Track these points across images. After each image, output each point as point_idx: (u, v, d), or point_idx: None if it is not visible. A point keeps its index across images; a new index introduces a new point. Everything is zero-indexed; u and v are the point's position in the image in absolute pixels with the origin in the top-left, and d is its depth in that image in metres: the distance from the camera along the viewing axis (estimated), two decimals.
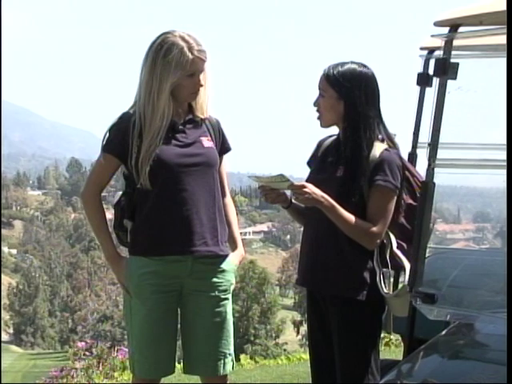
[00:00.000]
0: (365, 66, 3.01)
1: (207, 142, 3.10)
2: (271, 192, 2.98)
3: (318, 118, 3.06)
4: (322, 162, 3.10)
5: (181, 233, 3.03)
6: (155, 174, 3.00)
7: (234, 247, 3.24)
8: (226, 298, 3.15)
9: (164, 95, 2.98)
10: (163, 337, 3.09)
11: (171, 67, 2.96)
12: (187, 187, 3.03)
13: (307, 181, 3.02)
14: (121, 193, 3.18)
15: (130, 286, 3.08)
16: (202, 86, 3.04)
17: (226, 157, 3.25)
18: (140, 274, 3.05)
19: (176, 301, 3.11)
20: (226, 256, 3.14)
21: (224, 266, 3.13)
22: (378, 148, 2.96)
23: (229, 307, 3.17)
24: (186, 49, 2.97)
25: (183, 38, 2.98)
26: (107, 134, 3.08)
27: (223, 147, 3.22)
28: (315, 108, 3.06)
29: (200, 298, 3.10)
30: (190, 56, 2.97)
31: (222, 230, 3.12)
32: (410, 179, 3.04)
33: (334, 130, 3.11)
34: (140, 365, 3.12)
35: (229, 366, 3.17)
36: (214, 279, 3.10)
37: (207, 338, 3.11)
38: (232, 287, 3.18)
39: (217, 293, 3.11)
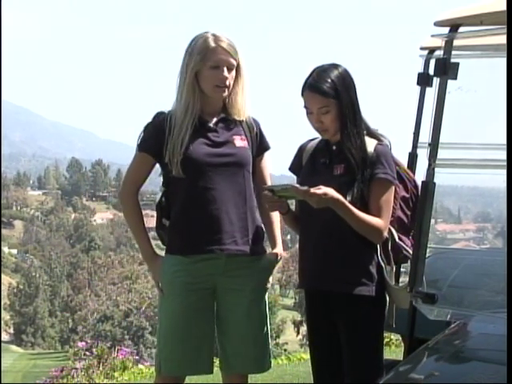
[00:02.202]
0: (339, 65, 3.03)
1: (240, 142, 3.11)
2: (276, 201, 2.98)
3: (322, 132, 3.04)
4: (313, 165, 3.10)
5: (210, 231, 3.05)
6: (185, 173, 3.02)
7: (272, 246, 3.25)
8: (261, 297, 3.16)
9: (188, 83, 3.02)
10: (193, 335, 3.08)
11: (194, 55, 3.01)
12: (216, 186, 3.05)
13: (300, 184, 3.01)
14: (161, 193, 3.21)
15: (163, 283, 3.11)
16: (226, 79, 3.03)
17: (267, 156, 3.26)
18: (173, 271, 3.08)
19: (210, 299, 3.11)
20: (259, 255, 3.14)
21: (259, 264, 3.13)
22: (370, 143, 2.99)
23: (263, 305, 3.17)
24: (210, 39, 3.03)
25: (213, 34, 3.05)
26: (142, 133, 3.12)
27: (261, 146, 3.23)
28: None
29: (233, 296, 3.10)
30: (213, 44, 3.01)
31: (254, 229, 3.12)
32: (399, 171, 3.07)
33: (315, 134, 3.10)
34: (166, 362, 3.13)
35: (266, 365, 3.18)
36: (248, 277, 3.11)
37: (242, 336, 3.12)
38: (268, 285, 3.19)
39: (250, 291, 3.11)
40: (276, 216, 3.27)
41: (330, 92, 2.94)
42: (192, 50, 3.03)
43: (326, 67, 3.00)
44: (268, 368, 3.21)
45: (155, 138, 3.07)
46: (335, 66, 3.01)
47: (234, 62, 3.05)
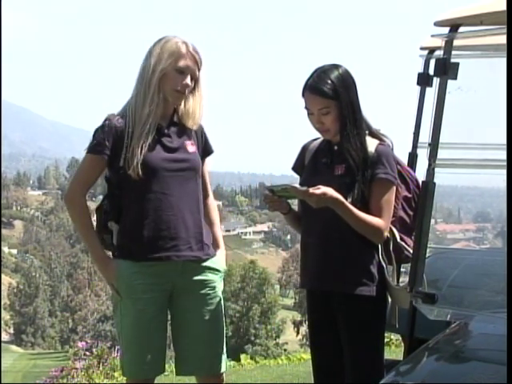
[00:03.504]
0: (340, 66, 3.02)
1: (191, 147, 3.12)
2: (276, 200, 2.99)
3: (323, 133, 3.04)
4: (314, 165, 3.10)
5: (166, 238, 3.03)
6: (141, 178, 2.99)
7: (216, 246, 3.24)
8: (217, 297, 3.16)
9: (154, 83, 3.01)
10: (154, 336, 3.09)
11: (164, 56, 3.01)
12: (173, 192, 3.04)
13: (301, 184, 3.01)
14: (102, 197, 3.18)
15: (121, 286, 3.07)
16: (188, 86, 3.04)
17: (208, 159, 3.28)
18: (130, 273, 3.05)
19: (166, 301, 3.11)
20: (212, 257, 3.15)
21: (212, 265, 3.15)
22: (372, 143, 2.99)
23: (220, 306, 3.18)
24: (180, 44, 3.04)
25: (184, 41, 3.06)
26: (94, 136, 3.07)
27: (206, 150, 3.24)
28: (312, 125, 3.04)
29: (191, 298, 3.11)
30: (184, 50, 3.03)
31: (206, 233, 3.15)
32: (401, 171, 3.07)
33: (316, 134, 3.10)
34: (130, 366, 3.12)
35: (222, 366, 3.17)
36: (204, 278, 3.12)
37: (199, 336, 3.11)
38: (221, 285, 3.19)
39: (207, 291, 3.12)
40: (217, 216, 3.31)
41: (330, 93, 2.94)
42: (162, 51, 3.01)
43: (326, 68, 3.00)
44: (224, 369, 3.19)
45: (110, 141, 3.01)
46: (336, 67, 3.00)
47: (198, 74, 3.08)
